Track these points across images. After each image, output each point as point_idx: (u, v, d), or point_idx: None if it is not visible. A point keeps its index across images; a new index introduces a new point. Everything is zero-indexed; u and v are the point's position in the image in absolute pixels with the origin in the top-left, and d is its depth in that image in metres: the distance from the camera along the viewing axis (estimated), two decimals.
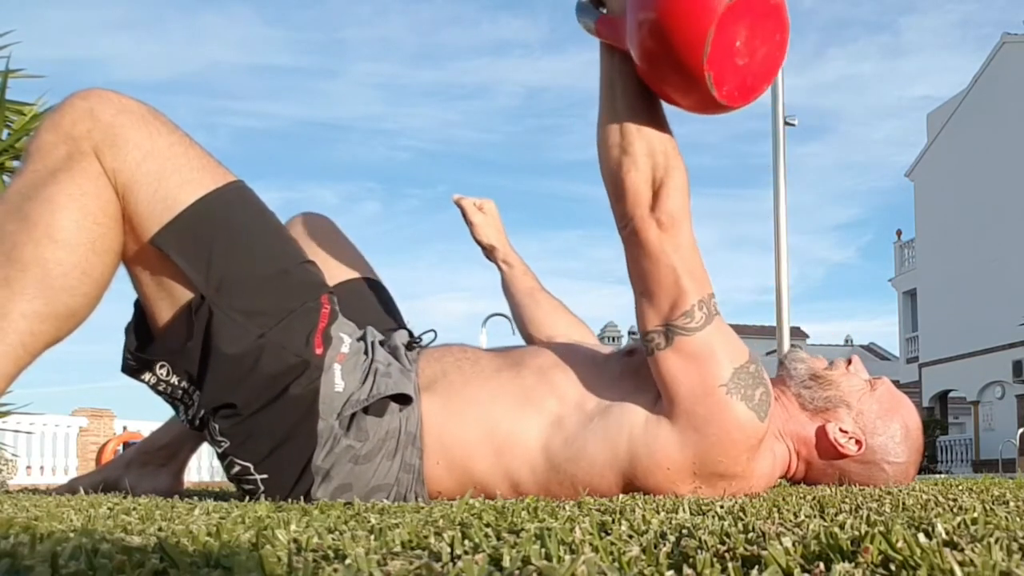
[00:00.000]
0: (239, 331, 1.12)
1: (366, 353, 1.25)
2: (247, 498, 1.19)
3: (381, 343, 1.30)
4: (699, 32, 1.05)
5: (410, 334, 1.41)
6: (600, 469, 1.19)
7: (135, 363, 1.18)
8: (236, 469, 1.18)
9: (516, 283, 1.66)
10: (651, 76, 1.15)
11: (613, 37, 1.19)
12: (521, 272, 1.67)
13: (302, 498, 1.16)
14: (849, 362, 1.41)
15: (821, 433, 1.33)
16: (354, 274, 1.55)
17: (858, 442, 1.33)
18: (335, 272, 1.52)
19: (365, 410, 1.18)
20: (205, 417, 1.16)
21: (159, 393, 1.19)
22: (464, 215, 1.68)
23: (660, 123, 1.19)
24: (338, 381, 1.17)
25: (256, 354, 1.12)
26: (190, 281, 1.11)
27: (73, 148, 1.08)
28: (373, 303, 1.53)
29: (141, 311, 1.20)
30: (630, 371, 1.26)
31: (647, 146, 1.16)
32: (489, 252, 1.68)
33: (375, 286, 1.58)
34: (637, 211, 1.16)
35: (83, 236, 1.07)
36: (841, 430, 1.33)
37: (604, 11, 1.21)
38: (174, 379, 1.16)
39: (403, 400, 1.21)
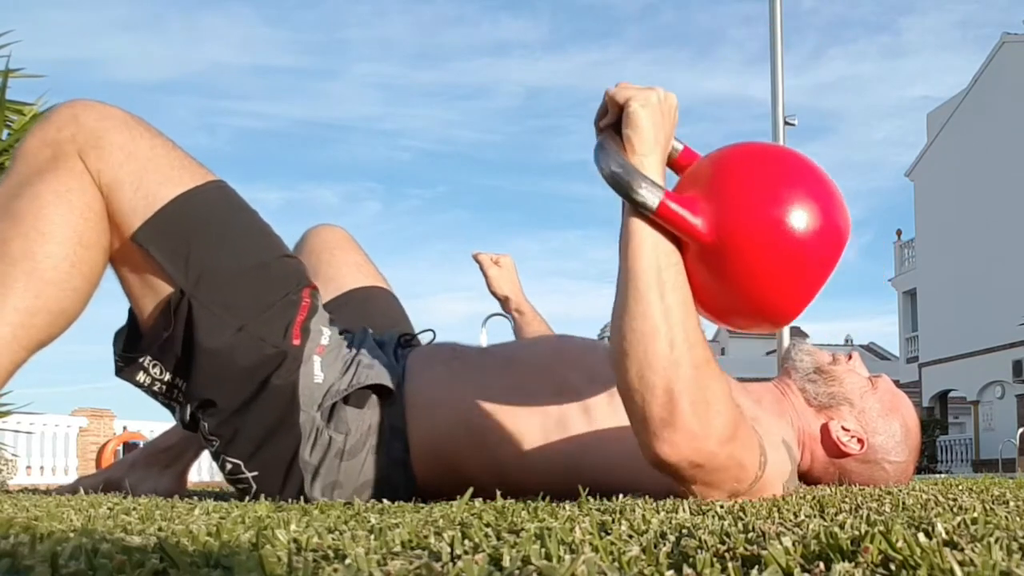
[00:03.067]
0: (218, 324, 1.13)
1: (350, 346, 1.25)
2: (245, 498, 1.20)
3: (374, 339, 1.31)
4: (834, 258, 1.00)
5: (410, 335, 1.41)
6: (606, 481, 1.18)
7: (124, 364, 1.18)
8: (228, 467, 1.19)
9: (525, 328, 1.83)
10: (727, 282, 0.99)
11: (679, 221, 0.97)
12: (531, 318, 1.84)
13: (302, 498, 1.17)
14: (849, 358, 1.41)
15: (824, 431, 1.33)
16: (363, 282, 1.58)
17: (860, 441, 1.33)
18: (343, 280, 1.55)
19: (345, 401, 1.18)
20: (196, 416, 1.17)
21: (153, 395, 1.20)
22: (481, 268, 1.88)
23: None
24: (317, 372, 1.18)
25: (235, 347, 1.13)
26: (170, 276, 1.13)
27: (58, 150, 1.10)
28: (380, 309, 1.55)
29: (134, 316, 1.20)
30: None
31: (703, 355, 0.97)
32: (504, 303, 1.87)
33: (384, 294, 1.61)
34: (700, 442, 0.95)
35: (70, 230, 1.08)
36: (844, 428, 1.33)
37: (659, 188, 0.97)
38: (167, 376, 1.16)
39: (385, 394, 1.21)
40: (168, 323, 1.13)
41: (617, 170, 0.96)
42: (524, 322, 1.81)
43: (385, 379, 1.21)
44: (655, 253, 0.97)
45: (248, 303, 1.15)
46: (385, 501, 1.14)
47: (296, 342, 1.17)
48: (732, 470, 1.01)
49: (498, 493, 1.21)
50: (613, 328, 0.99)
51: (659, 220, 0.97)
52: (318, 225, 1.67)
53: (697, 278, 0.99)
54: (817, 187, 1.00)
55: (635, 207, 0.97)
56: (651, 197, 0.96)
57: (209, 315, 1.12)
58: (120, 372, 1.19)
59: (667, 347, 0.95)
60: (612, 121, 1.02)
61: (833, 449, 1.33)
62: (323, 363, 1.19)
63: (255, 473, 1.18)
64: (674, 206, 0.96)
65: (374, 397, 1.20)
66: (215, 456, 1.20)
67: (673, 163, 1.08)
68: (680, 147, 1.09)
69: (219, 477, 1.22)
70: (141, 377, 1.18)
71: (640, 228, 0.98)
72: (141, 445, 2.38)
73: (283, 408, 1.16)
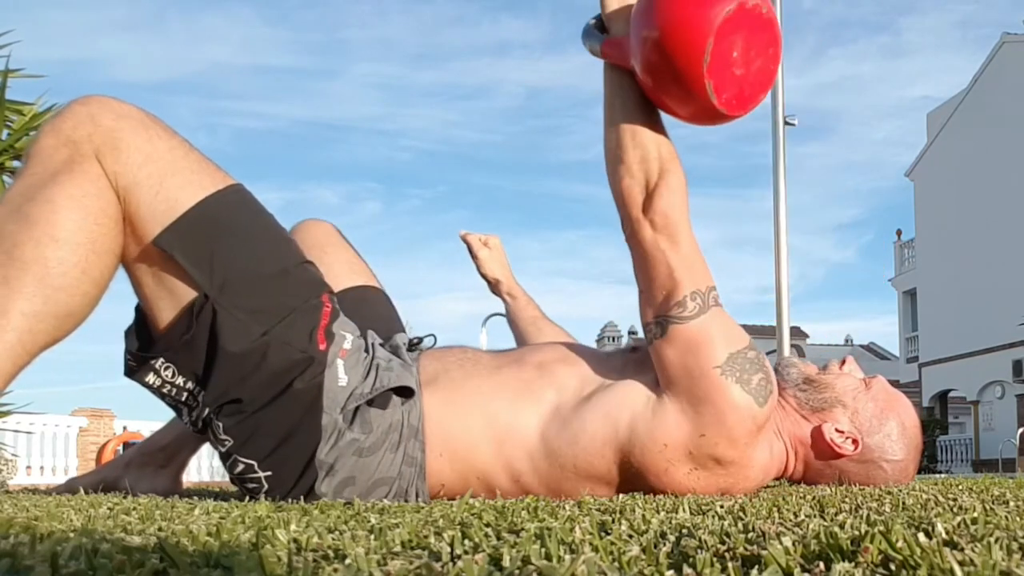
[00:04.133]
0: (243, 329, 1.13)
1: (367, 350, 1.26)
2: (248, 498, 1.20)
3: (381, 344, 1.32)
4: (699, 43, 1.12)
5: (417, 338, 1.42)
6: (600, 447, 1.21)
7: (136, 364, 1.18)
8: (240, 468, 1.18)
9: (520, 313, 1.78)
10: (654, 88, 1.22)
11: (617, 57, 1.27)
12: (524, 303, 1.79)
13: (303, 497, 1.17)
14: (843, 363, 1.42)
15: (817, 433, 1.33)
16: (356, 282, 1.57)
17: (855, 441, 1.33)
18: (336, 279, 1.54)
19: (369, 403, 1.20)
20: (208, 417, 1.17)
21: (162, 396, 1.19)
22: (470, 250, 1.82)
23: (657, 132, 1.26)
24: (342, 375, 1.19)
25: (260, 351, 1.13)
26: (193, 281, 1.12)
27: (74, 151, 1.09)
28: (374, 311, 1.55)
29: (141, 315, 1.20)
30: (633, 363, 1.29)
31: (640, 153, 1.24)
32: (494, 286, 1.82)
33: (377, 294, 1.60)
34: (632, 213, 1.23)
35: (83, 236, 1.07)
36: (837, 430, 1.33)
37: (608, 35, 1.29)
38: (179, 380, 1.16)
39: (405, 393, 1.23)
40: (193, 330, 1.12)
41: (583, 37, 1.32)
42: (518, 307, 1.78)
43: (405, 380, 1.23)
44: (612, 85, 1.28)
45: (272, 308, 1.16)
46: (386, 501, 1.14)
47: (322, 346, 1.18)
48: (665, 262, 1.20)
49: (498, 488, 1.22)
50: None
51: (607, 59, 1.29)
52: (306, 220, 1.64)
53: (656, 93, 1.24)
54: None
55: (597, 56, 1.30)
56: (595, 46, 1.30)
57: (233, 320, 1.12)
58: (131, 373, 1.19)
59: (630, 145, 1.25)
60: None
61: (828, 451, 1.33)
62: (346, 366, 1.20)
63: (268, 473, 1.18)
64: (608, 48, 1.28)
65: (396, 398, 1.22)
66: (225, 456, 1.20)
67: None
68: None
69: (219, 477, 1.22)
70: (151, 379, 1.17)
71: (607, 72, 1.29)
72: None
73: (305, 410, 1.16)
